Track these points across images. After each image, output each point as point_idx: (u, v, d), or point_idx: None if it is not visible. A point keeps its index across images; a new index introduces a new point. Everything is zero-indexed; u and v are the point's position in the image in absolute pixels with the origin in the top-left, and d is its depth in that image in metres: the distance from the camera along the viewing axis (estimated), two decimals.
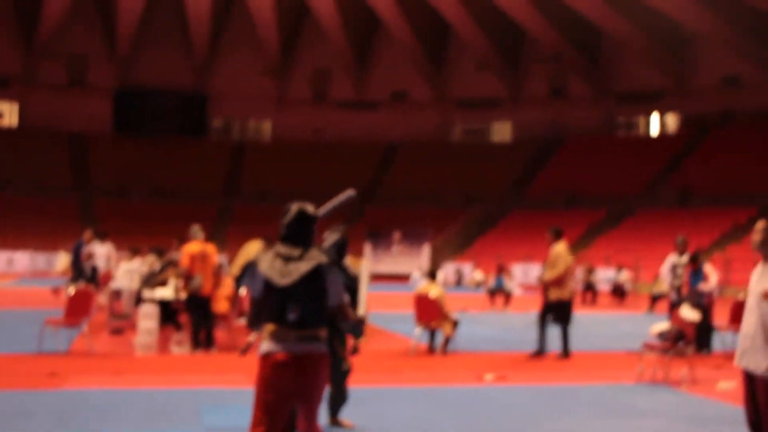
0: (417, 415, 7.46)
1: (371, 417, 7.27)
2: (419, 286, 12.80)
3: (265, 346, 4.32)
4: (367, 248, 38.09)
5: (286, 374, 4.23)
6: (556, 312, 11.65)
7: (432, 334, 11.99)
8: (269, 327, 4.33)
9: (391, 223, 40.48)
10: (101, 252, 18.00)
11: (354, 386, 8.67)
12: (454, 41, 48.66)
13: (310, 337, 4.31)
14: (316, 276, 4.34)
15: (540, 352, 11.55)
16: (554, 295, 11.59)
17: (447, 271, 34.96)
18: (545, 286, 11.77)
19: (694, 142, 42.24)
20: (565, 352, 11.53)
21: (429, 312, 11.71)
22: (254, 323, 4.45)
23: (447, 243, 40.11)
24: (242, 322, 14.98)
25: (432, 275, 12.75)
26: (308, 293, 4.32)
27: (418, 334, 11.88)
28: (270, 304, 4.33)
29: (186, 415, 7.22)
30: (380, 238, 38.68)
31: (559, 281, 11.51)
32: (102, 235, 19.27)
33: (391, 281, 34.36)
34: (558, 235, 11.71)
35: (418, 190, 44.95)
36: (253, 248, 14.97)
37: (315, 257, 4.37)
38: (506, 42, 47.27)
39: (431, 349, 11.86)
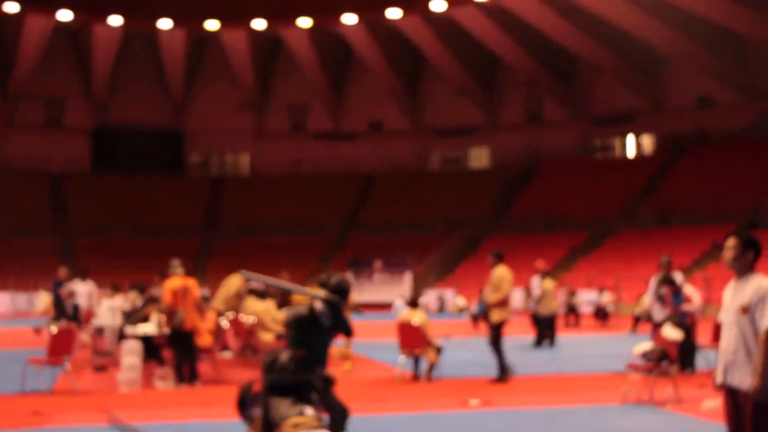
0: None
1: None
2: (402, 314, 12.82)
3: None
4: (349, 277, 38.01)
5: None
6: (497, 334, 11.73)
7: (416, 361, 11.99)
8: None
9: (372, 252, 40.47)
10: (83, 290, 17.98)
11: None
12: (429, 70, 49.06)
13: None
14: None
15: (505, 376, 11.58)
16: (497, 316, 11.70)
17: (429, 297, 34.93)
18: (488, 309, 11.94)
19: (670, 162, 42.67)
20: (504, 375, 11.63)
21: (412, 339, 11.73)
22: None
23: (428, 270, 40.16)
24: (226, 355, 14.94)
25: (414, 303, 12.79)
26: None
27: (402, 362, 11.89)
28: None
29: None
30: (361, 267, 38.65)
31: (503, 303, 11.68)
32: (83, 273, 19.28)
33: (373, 310, 34.26)
34: (499, 258, 11.94)
35: (398, 218, 45.04)
36: (233, 282, 15.02)
37: None
38: (481, 69, 47.69)
39: (416, 376, 11.87)
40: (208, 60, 49.48)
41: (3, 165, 47.57)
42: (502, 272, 11.73)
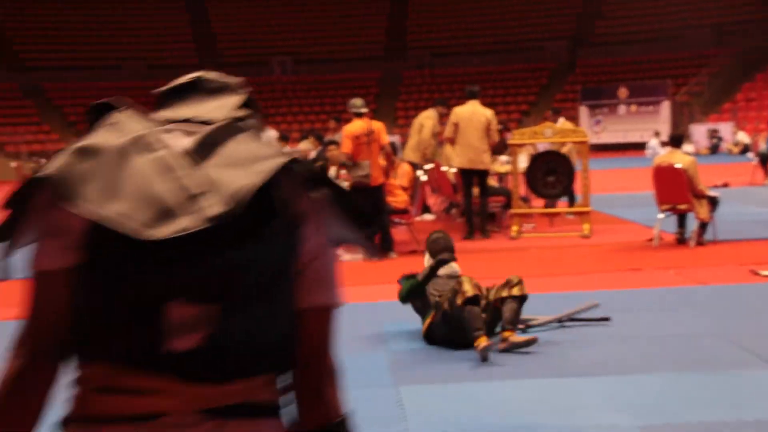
0: (669, 323, 7.41)
1: (611, 328, 7.31)
2: (659, 156, 12.57)
3: None
4: (583, 112, 37.53)
5: None
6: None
7: (681, 219, 11.79)
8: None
9: (613, 77, 39.50)
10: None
11: (582, 291, 8.74)
12: None
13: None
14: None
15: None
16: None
17: (697, 134, 34.04)
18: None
19: None
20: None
21: (675, 189, 11.48)
22: None
23: (694, 98, 38.82)
24: (427, 218, 15.34)
25: (677, 140, 12.45)
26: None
27: (661, 220, 11.72)
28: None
29: (365, 335, 7.50)
30: (600, 96, 37.94)
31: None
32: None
33: (618, 154, 33.85)
34: (471, 95, 12.78)
35: (645, 29, 43.47)
36: (427, 120, 15.31)
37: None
38: None
39: (681, 240, 11.69)
40: None
41: None
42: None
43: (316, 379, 1.69)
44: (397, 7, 49.19)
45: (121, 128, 1.59)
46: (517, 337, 6.60)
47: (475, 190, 12.95)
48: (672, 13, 43.64)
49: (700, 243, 11.50)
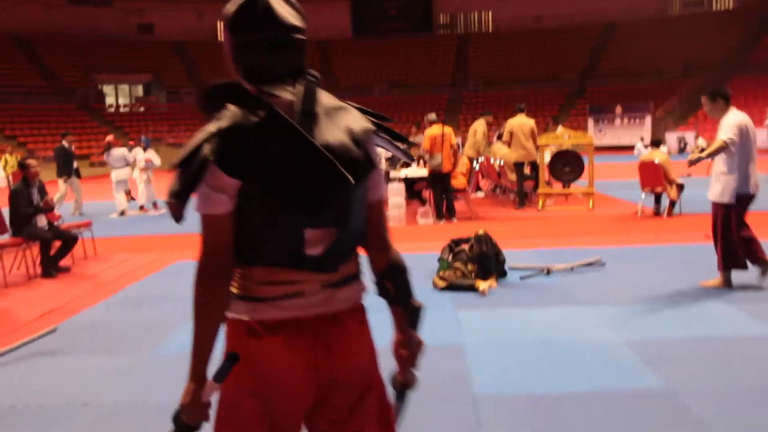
0: (650, 272, 7.25)
1: (607, 273, 7.18)
2: (643, 155, 12.24)
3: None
4: (590, 123, 36.76)
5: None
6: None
7: (657, 198, 11.50)
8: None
9: (612, 98, 38.58)
10: None
11: (587, 247, 8.61)
12: None
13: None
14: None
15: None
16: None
17: (669, 139, 33.05)
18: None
19: None
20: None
21: (654, 177, 11.20)
22: None
23: (668, 114, 37.70)
24: (478, 195, 15.22)
25: (657, 143, 12.13)
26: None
27: (643, 199, 11.44)
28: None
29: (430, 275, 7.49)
30: (602, 113, 37.09)
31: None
32: None
33: (614, 152, 33.10)
34: (519, 111, 12.85)
35: (637, 65, 42.26)
36: (479, 127, 15.02)
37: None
38: None
39: (657, 213, 11.41)
40: None
41: None
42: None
43: (383, 236, 1.89)
44: (461, 49, 48.68)
45: (248, 105, 1.65)
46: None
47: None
48: (655, 55, 42.38)
49: (670, 215, 11.22)
